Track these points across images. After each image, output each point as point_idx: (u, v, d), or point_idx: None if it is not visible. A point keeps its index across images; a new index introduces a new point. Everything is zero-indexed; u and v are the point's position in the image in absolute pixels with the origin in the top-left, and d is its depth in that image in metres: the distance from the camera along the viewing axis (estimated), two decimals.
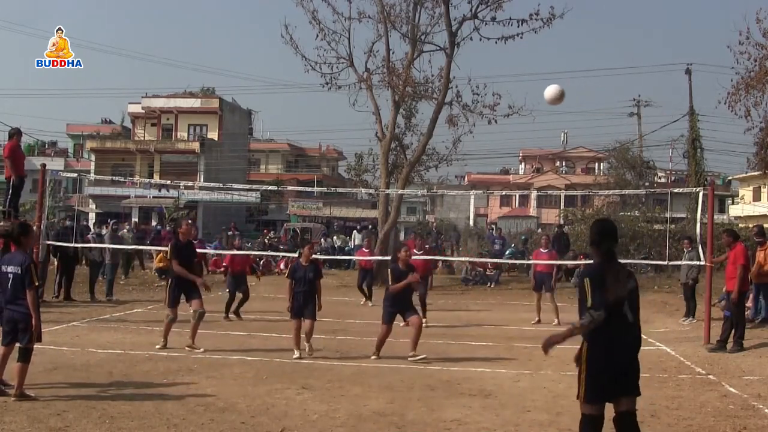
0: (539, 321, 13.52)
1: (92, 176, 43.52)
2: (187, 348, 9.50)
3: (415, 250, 14.64)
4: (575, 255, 22.41)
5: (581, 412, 4.57)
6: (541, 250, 14.51)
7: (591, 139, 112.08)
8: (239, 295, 13.45)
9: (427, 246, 16.69)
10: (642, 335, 4.71)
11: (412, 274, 9.36)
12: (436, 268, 14.89)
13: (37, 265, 12.54)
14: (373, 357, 9.39)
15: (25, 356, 6.59)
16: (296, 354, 9.22)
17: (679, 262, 15.15)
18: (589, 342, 4.53)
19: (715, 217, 13.45)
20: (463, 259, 15.11)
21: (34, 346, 6.72)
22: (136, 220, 38.82)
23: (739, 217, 42.84)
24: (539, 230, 35.02)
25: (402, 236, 33.16)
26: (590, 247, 4.79)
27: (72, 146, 58.45)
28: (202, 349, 9.52)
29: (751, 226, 26.23)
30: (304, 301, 9.32)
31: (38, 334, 6.69)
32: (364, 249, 18.82)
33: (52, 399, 6.70)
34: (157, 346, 9.60)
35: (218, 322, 12.83)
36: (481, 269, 22.18)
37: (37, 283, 6.79)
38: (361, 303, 16.47)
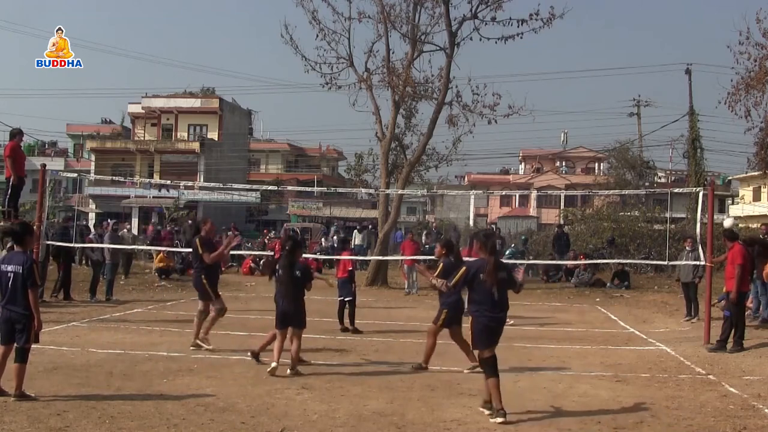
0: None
1: (92, 176, 43.51)
2: (198, 341, 9.61)
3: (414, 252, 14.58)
4: (575, 255, 22.46)
5: (479, 357, 6.78)
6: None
7: (591, 139, 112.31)
8: None
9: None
10: (508, 310, 6.79)
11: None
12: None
13: (38, 265, 12.58)
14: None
15: (23, 356, 6.58)
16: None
17: (680, 262, 15.15)
18: (471, 312, 6.70)
19: (715, 217, 13.45)
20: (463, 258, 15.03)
21: (33, 346, 6.71)
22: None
23: (739, 217, 42.82)
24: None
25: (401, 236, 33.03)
26: (480, 250, 6.80)
27: (72, 146, 58.45)
28: (213, 347, 9.59)
29: (752, 226, 26.29)
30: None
31: (36, 335, 6.68)
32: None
33: (52, 399, 6.70)
34: (209, 347, 9.58)
35: (218, 321, 12.81)
36: None
37: (39, 283, 6.77)
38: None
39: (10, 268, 6.62)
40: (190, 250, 10.36)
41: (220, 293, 10.05)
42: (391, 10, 21.21)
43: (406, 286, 19.87)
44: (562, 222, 31.40)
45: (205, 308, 9.80)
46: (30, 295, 6.56)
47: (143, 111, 49.30)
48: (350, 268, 12.50)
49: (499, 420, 6.33)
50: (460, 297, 8.57)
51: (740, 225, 32.30)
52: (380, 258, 20.63)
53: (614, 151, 43.72)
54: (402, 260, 19.93)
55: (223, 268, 22.29)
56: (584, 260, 21.01)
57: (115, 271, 16.43)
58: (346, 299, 11.97)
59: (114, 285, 16.08)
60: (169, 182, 22.26)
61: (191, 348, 9.61)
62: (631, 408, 7.00)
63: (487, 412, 6.60)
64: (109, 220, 22.37)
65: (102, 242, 16.53)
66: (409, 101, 22.81)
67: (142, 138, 49.09)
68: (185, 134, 48.47)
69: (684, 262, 14.05)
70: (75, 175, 46.72)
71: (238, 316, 13.79)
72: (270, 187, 41.65)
